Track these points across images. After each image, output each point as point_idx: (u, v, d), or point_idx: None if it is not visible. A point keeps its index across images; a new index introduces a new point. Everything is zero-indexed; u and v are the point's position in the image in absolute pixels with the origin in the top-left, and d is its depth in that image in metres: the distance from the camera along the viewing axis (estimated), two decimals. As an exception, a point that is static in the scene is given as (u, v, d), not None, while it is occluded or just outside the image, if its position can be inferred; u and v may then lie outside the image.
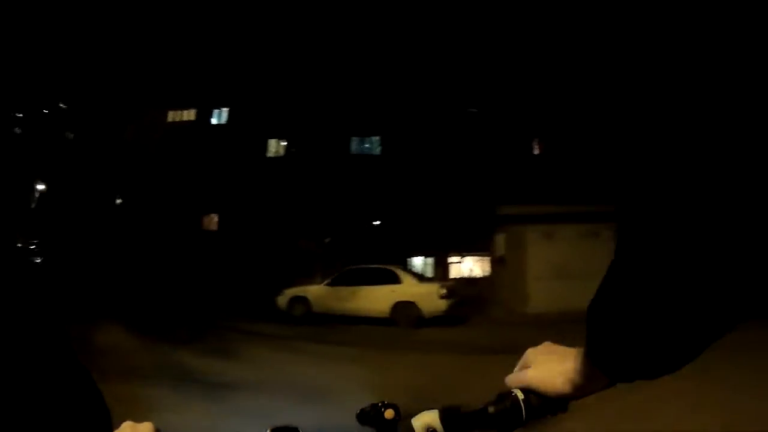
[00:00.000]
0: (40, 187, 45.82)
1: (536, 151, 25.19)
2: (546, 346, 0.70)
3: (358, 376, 6.48)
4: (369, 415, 0.67)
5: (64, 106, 54.15)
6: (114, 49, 37.97)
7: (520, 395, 0.65)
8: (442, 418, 0.65)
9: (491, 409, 0.65)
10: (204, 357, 7.98)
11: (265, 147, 27.27)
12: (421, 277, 15.62)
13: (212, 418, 4.89)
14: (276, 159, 27.12)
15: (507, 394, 0.66)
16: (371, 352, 9.50)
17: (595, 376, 0.61)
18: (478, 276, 22.89)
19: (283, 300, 14.02)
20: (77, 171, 35.57)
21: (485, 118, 24.60)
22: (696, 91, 0.48)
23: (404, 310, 12.78)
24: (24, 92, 51.59)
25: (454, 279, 21.20)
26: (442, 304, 12.87)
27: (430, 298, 12.89)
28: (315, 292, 13.87)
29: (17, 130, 53.28)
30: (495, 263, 19.69)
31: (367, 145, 27.34)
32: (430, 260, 25.08)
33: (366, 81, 24.72)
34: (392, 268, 14.39)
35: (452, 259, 24.65)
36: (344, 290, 13.46)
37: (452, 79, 23.98)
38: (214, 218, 27.51)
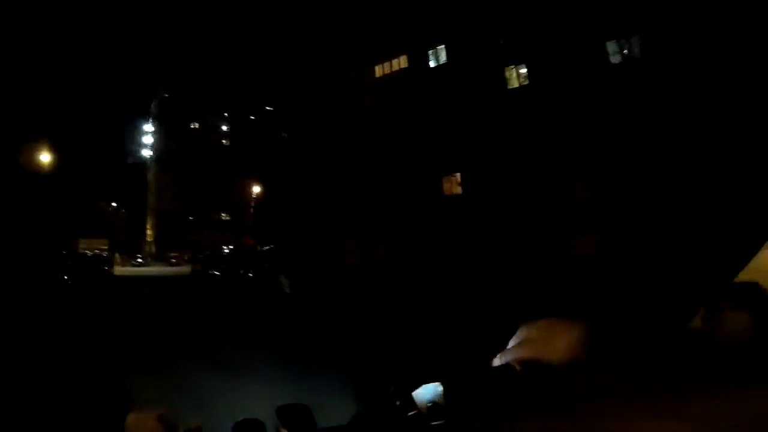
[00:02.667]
0: (257, 189, 47.08)
1: None
2: (544, 322, 0.71)
3: None
4: (373, 390, 0.69)
5: (270, 108, 55.94)
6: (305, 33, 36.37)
7: (518, 368, 0.67)
8: (445, 392, 0.66)
9: (490, 382, 0.67)
10: None
11: (503, 79, 22.22)
12: None
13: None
14: (520, 90, 21.91)
15: (505, 367, 0.67)
16: None
17: (591, 351, 0.64)
18: None
19: None
20: (300, 166, 34.79)
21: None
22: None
23: None
24: (228, 104, 54.45)
25: None
26: None
27: None
28: None
29: (225, 142, 56.76)
30: None
31: (626, 50, 21.15)
32: None
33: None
34: None
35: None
36: None
37: None
38: (457, 179, 23.28)
